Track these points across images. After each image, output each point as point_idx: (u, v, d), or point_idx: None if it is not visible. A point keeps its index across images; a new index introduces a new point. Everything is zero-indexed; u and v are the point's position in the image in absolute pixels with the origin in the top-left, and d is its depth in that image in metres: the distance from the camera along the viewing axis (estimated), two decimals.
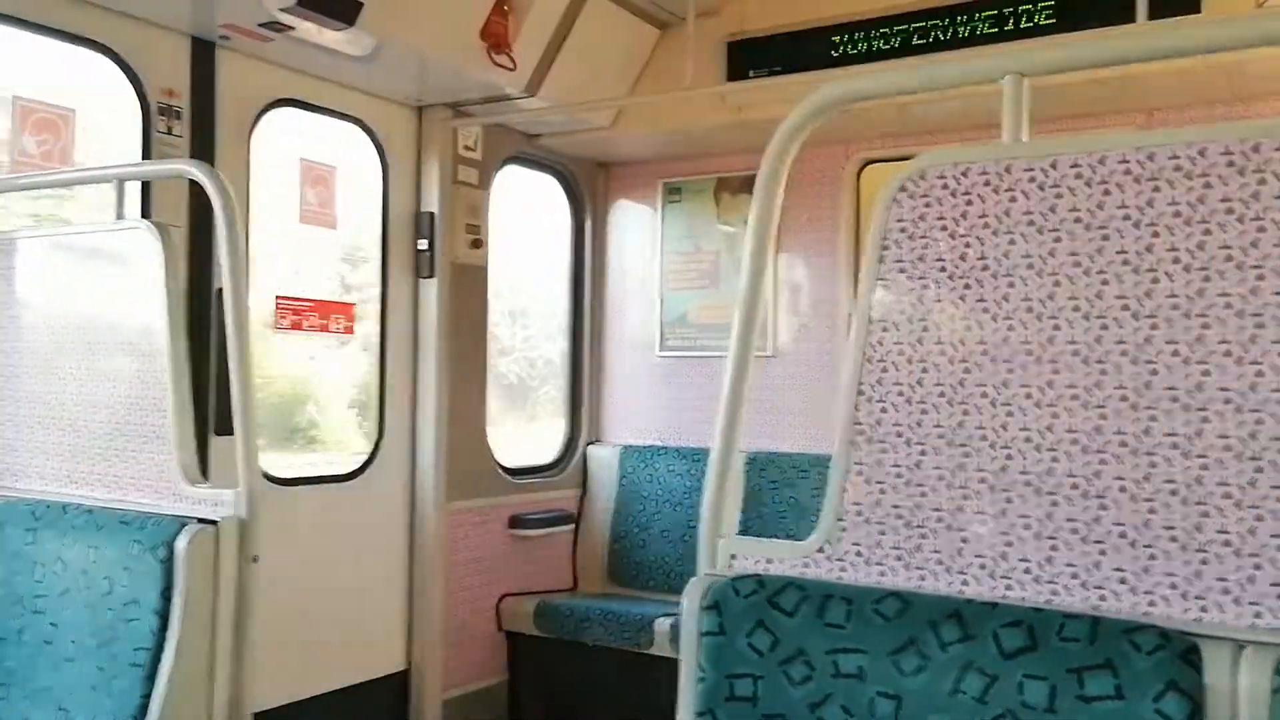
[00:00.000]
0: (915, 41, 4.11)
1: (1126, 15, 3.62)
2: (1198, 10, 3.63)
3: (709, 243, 5.22)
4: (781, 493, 4.74)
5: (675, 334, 5.29)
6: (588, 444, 5.45)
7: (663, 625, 4.33)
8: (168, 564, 2.18)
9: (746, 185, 4.95)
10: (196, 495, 2.31)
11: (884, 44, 4.17)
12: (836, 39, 4.27)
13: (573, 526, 5.29)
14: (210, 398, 3.73)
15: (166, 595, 2.17)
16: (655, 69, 4.77)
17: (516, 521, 4.95)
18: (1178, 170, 1.40)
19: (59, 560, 2.35)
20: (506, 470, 5.01)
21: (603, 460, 5.35)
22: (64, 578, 2.33)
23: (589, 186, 5.49)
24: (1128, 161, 1.43)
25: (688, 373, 5.26)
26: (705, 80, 4.46)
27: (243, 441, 2.27)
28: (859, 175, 4.87)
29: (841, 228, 4.86)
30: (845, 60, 4.24)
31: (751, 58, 4.47)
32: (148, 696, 2.14)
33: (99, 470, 2.48)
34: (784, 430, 4.92)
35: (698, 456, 4.87)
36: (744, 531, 4.67)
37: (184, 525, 2.21)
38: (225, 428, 3.66)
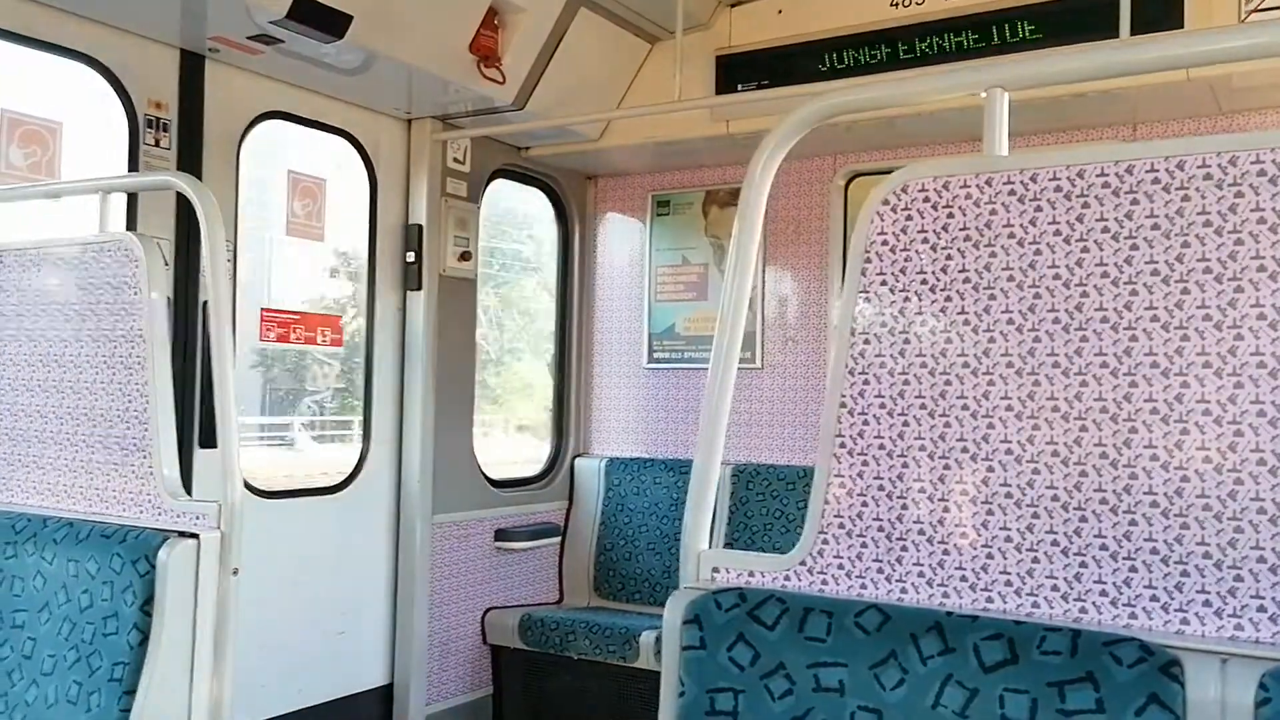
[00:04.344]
0: (902, 55, 4.13)
1: (1110, 28, 3.64)
2: (1181, 24, 3.65)
3: (697, 255, 5.23)
4: (768, 505, 4.74)
5: (663, 346, 5.30)
6: (575, 456, 5.45)
7: (648, 638, 4.31)
8: (148, 578, 2.16)
9: (734, 198, 4.96)
10: (178, 508, 2.29)
11: (870, 58, 4.19)
12: (824, 53, 4.29)
13: (559, 539, 5.28)
14: (196, 410, 3.72)
15: (147, 609, 2.15)
16: (644, 82, 4.79)
17: (503, 534, 4.94)
18: (1155, 183, 1.41)
19: (39, 574, 2.33)
20: (493, 482, 5.00)
21: (589, 472, 5.34)
22: (44, 592, 2.32)
23: (577, 199, 5.50)
24: (1106, 175, 1.44)
25: (675, 384, 5.27)
26: (694, 94, 4.48)
27: (225, 454, 2.26)
28: (847, 188, 4.89)
29: (829, 240, 4.88)
30: (832, 74, 4.26)
31: (740, 71, 4.49)
32: (127, 711, 2.12)
33: (81, 483, 2.46)
34: (771, 442, 4.93)
35: (685, 468, 4.87)
36: (730, 543, 4.73)
37: (165, 539, 2.20)
38: (210, 440, 3.65)
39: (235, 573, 2.24)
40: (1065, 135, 4.36)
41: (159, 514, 2.32)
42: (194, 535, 2.21)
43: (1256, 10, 3.62)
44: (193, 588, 2.19)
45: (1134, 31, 3.58)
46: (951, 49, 4.04)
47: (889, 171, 1.62)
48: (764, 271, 5.01)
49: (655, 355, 5.32)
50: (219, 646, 2.21)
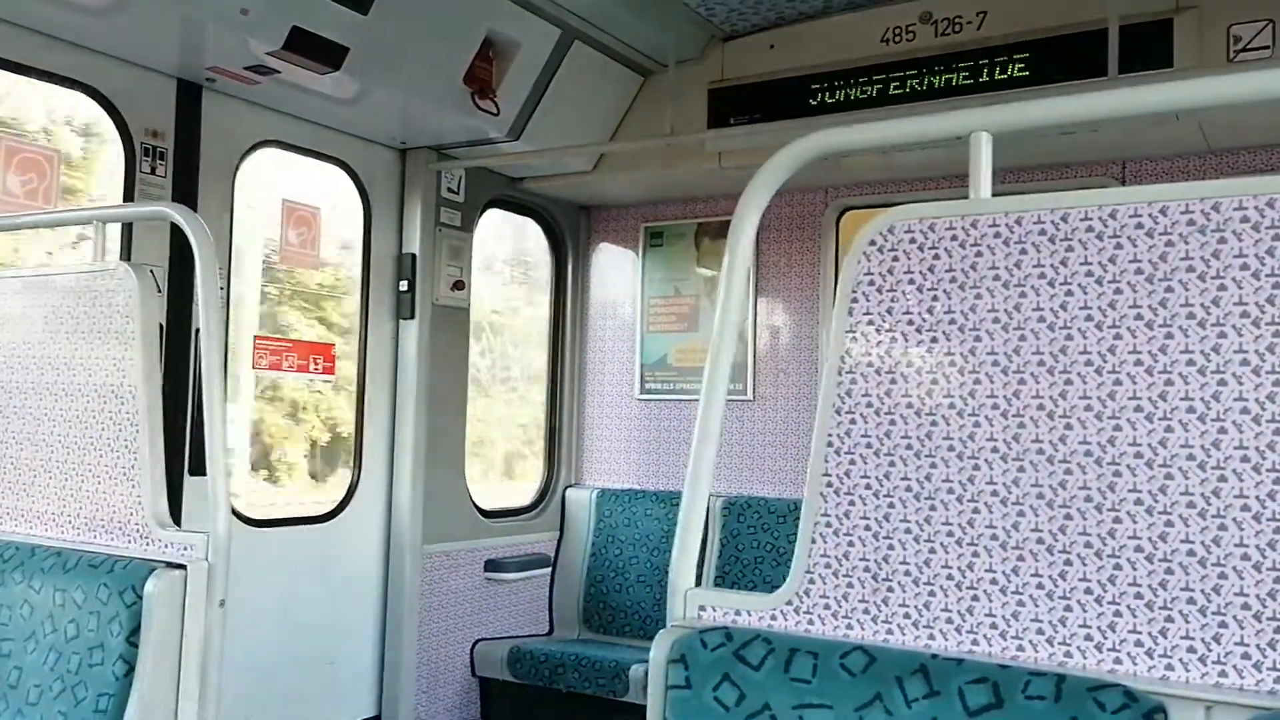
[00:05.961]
0: (893, 91, 4.17)
1: (1099, 67, 3.68)
2: (1170, 62, 3.69)
3: (689, 286, 5.26)
4: (759, 538, 4.73)
5: (655, 377, 5.31)
6: (566, 487, 5.44)
7: (637, 672, 4.29)
8: (135, 609, 2.15)
9: (726, 230, 4.97)
10: (166, 538, 2.29)
11: (862, 93, 4.23)
12: (815, 88, 4.33)
13: (549, 570, 5.26)
14: (187, 437, 3.71)
15: (133, 640, 2.14)
16: (637, 115, 4.82)
17: (493, 565, 4.92)
18: (1139, 228, 1.42)
19: (26, 603, 2.32)
20: (484, 513, 4.99)
21: (581, 503, 5.33)
22: (30, 621, 2.30)
23: (571, 229, 5.52)
24: (1090, 219, 1.45)
25: (666, 416, 5.27)
26: (687, 127, 4.51)
27: (213, 484, 2.25)
28: (839, 221, 4.92)
29: (821, 273, 4.90)
30: (824, 109, 4.30)
31: (732, 105, 4.53)
32: None
33: (70, 512, 2.46)
34: (762, 475, 4.93)
35: (676, 500, 4.83)
36: (720, 577, 4.70)
37: (153, 570, 2.19)
38: (200, 467, 3.64)
39: (222, 604, 2.23)
40: (1053, 171, 4.39)
41: (147, 544, 2.31)
42: (181, 566, 2.20)
43: (1245, 49, 3.66)
44: (179, 619, 2.18)
45: (1122, 69, 3.62)
46: (942, 85, 4.08)
47: (880, 205, 1.63)
48: (756, 303, 5.03)
49: (647, 386, 5.33)
50: (205, 678, 2.20)
